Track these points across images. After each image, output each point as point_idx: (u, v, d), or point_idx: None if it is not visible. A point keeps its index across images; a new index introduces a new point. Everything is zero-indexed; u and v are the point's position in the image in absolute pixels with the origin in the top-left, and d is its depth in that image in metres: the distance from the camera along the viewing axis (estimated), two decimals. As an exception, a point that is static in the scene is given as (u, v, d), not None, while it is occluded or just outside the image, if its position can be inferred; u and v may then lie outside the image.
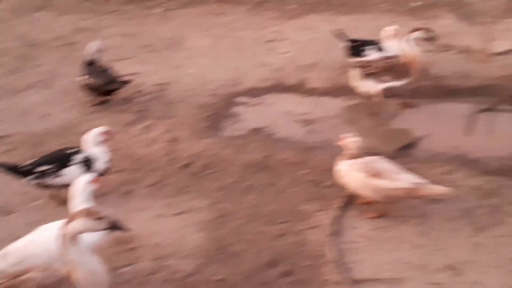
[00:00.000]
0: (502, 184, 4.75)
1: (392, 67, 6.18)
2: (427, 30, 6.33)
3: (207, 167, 5.27)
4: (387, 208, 4.48)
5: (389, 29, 6.70)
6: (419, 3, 9.08)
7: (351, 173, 4.43)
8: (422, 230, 4.31)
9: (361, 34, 7.73)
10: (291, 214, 4.61)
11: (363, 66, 6.20)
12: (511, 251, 4.04)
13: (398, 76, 6.16)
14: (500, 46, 7.36)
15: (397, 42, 6.54)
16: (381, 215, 4.47)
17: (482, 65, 6.93)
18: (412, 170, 4.97)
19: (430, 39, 6.33)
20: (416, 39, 6.22)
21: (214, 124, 6.19)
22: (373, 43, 6.75)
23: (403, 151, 5.50)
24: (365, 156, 4.52)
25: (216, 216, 4.59)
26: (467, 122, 6.16)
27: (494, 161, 5.22)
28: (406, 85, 6.27)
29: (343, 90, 6.84)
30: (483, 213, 4.43)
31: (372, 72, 6.13)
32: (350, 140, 4.54)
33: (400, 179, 4.26)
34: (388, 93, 6.20)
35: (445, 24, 7.81)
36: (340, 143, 4.60)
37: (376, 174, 4.31)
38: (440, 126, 6.14)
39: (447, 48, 7.13)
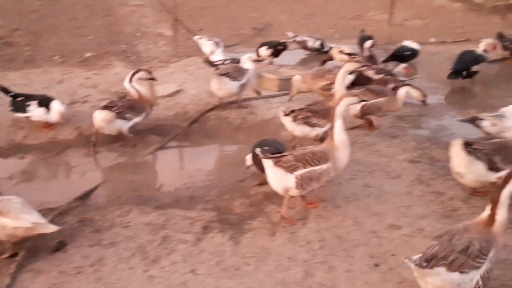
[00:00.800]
0: (171, 216, 5.10)
1: (132, 105, 6.56)
2: (146, 70, 6.93)
3: None
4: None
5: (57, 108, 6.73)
6: (91, 54, 9.34)
7: None
8: (99, 276, 4.30)
9: (34, 88, 7.56)
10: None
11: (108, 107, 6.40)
12: (181, 276, 4.33)
13: (137, 113, 6.63)
14: (167, 88, 8.04)
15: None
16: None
17: (153, 107, 7.44)
18: (90, 218, 5.04)
19: (151, 78, 6.91)
20: (139, 79, 6.75)
21: None
22: (37, 98, 6.64)
23: (81, 200, 5.47)
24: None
25: None
26: (143, 162, 6.53)
27: (166, 195, 5.61)
28: (144, 119, 6.77)
29: (16, 148, 6.54)
30: (155, 246, 4.67)
31: (119, 111, 6.36)
32: None
33: (22, 218, 4.34)
34: (133, 130, 6.59)
35: (117, 72, 8.16)
36: None
37: (2, 213, 4.35)
38: (117, 170, 6.37)
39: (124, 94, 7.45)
